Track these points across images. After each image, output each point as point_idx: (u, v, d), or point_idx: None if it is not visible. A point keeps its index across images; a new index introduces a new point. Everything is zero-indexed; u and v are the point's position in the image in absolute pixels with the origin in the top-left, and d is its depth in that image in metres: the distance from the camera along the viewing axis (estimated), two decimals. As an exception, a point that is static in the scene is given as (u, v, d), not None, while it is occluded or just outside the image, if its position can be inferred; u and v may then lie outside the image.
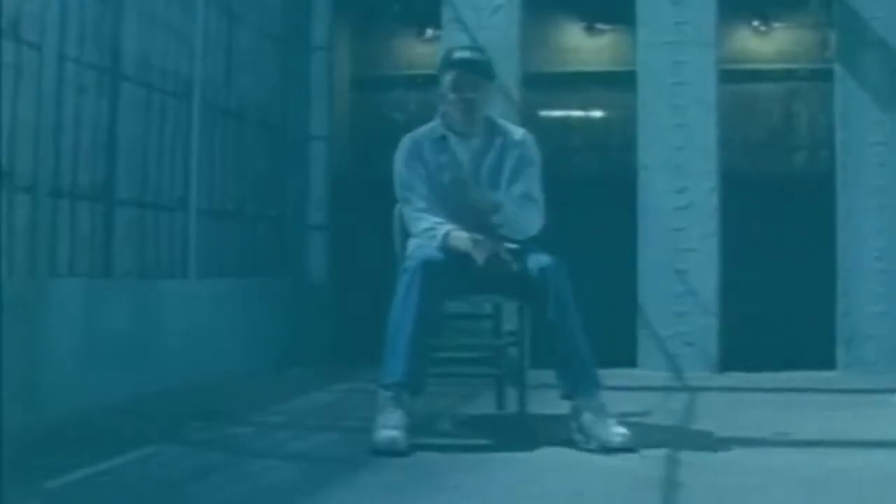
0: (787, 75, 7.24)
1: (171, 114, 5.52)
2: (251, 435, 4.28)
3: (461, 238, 4.14)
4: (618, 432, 3.91)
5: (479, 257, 4.09)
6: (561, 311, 4.05)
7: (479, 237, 4.13)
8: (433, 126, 4.39)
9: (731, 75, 6.94)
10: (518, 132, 4.45)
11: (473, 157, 4.33)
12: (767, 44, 7.33)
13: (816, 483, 3.43)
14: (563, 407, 4.12)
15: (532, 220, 4.31)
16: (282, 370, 6.37)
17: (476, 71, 4.29)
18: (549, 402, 4.31)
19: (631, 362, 6.56)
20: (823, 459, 3.80)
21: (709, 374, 6.45)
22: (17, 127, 4.24)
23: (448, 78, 4.28)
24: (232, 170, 6.20)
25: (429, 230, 4.20)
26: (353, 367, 6.01)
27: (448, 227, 4.18)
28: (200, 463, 3.73)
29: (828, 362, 6.51)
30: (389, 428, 3.86)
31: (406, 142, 4.38)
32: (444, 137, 4.33)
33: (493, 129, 4.37)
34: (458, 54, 4.38)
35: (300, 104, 6.96)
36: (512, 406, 4.57)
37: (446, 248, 4.13)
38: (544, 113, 7.44)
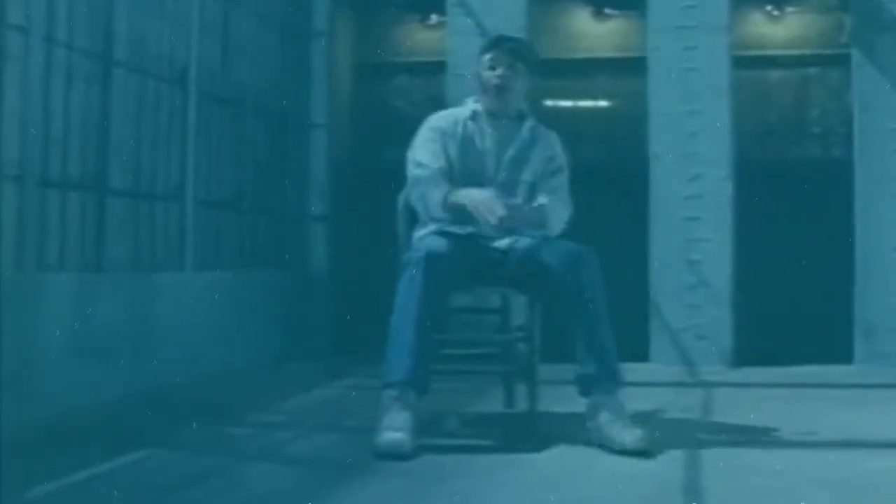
0: (803, 61, 7.11)
1: (166, 101, 5.37)
2: (249, 436, 4.14)
3: (468, 196, 4.01)
4: (635, 434, 3.74)
5: (492, 218, 3.94)
6: (592, 303, 3.91)
7: (490, 194, 4.00)
8: (465, 106, 4.29)
9: (745, 61, 6.80)
10: (550, 132, 4.34)
11: (499, 140, 4.21)
12: (781, 29, 7.18)
13: (846, 486, 3.28)
14: (575, 405, 3.96)
15: (559, 219, 4.20)
16: (282, 365, 6.25)
17: (516, 53, 4.22)
18: (560, 400, 4.15)
19: (643, 356, 6.41)
20: (850, 460, 3.63)
21: (723, 368, 6.32)
22: (4, 114, 4.10)
23: (487, 56, 4.21)
24: (229, 159, 6.07)
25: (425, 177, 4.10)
26: (356, 363, 5.86)
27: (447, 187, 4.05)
28: (196, 467, 3.58)
29: (846, 356, 6.37)
30: (394, 430, 3.69)
31: (431, 119, 4.27)
32: (475, 114, 4.22)
33: (523, 117, 4.28)
34: (500, 34, 4.45)
35: (300, 91, 6.84)
36: (521, 404, 4.42)
37: (449, 206, 4.02)
38: (551, 101, 7.27)
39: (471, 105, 4.26)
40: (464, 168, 4.15)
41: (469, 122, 4.21)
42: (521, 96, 4.26)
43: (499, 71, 4.17)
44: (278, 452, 3.86)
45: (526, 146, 4.22)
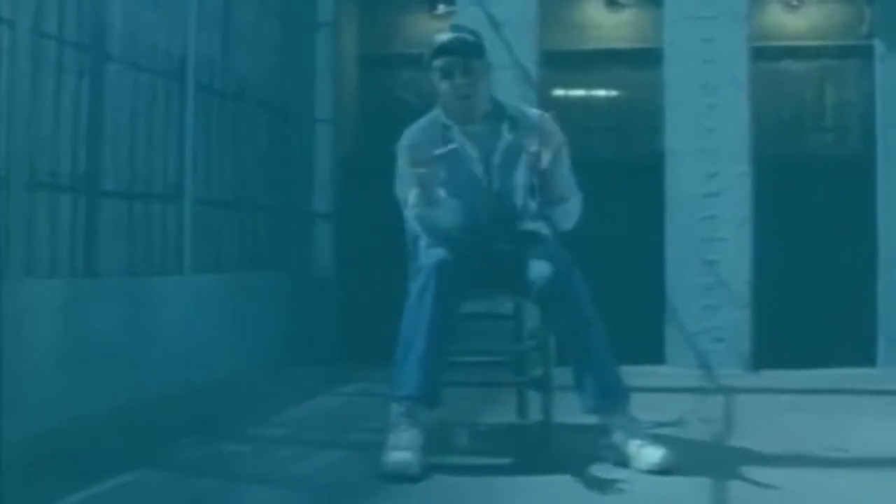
0: (824, 52, 6.96)
1: (163, 96, 5.24)
2: (248, 454, 3.95)
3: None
4: (654, 453, 3.53)
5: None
6: (575, 320, 3.68)
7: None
8: (434, 116, 3.98)
9: (764, 52, 6.66)
10: (533, 114, 4.03)
11: (482, 147, 3.91)
12: (801, 19, 7.03)
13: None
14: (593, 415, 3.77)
15: (572, 215, 3.96)
16: (284, 371, 6.10)
17: (463, 53, 3.86)
18: (575, 407, 3.90)
19: (658, 359, 6.30)
20: (884, 483, 3.43)
21: (741, 371, 6.18)
22: (-11, 112, 3.95)
23: (436, 67, 3.87)
24: (230, 156, 5.95)
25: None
26: (362, 367, 5.76)
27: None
28: (189, 491, 3.38)
29: (868, 359, 6.26)
30: (401, 449, 3.51)
31: (405, 138, 3.98)
32: (446, 127, 3.91)
33: (499, 114, 3.96)
34: (440, 38, 3.94)
35: (304, 84, 6.72)
36: (535, 413, 4.21)
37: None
38: (563, 93, 7.18)
39: (441, 119, 3.94)
40: (454, 183, 3.85)
41: (446, 134, 3.89)
42: (487, 95, 3.94)
43: (457, 80, 3.84)
44: (278, 473, 3.66)
45: (511, 147, 3.91)
